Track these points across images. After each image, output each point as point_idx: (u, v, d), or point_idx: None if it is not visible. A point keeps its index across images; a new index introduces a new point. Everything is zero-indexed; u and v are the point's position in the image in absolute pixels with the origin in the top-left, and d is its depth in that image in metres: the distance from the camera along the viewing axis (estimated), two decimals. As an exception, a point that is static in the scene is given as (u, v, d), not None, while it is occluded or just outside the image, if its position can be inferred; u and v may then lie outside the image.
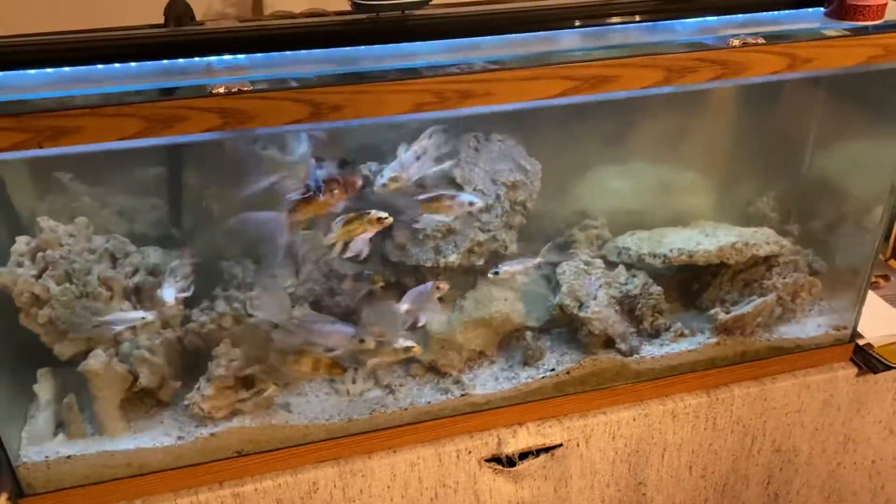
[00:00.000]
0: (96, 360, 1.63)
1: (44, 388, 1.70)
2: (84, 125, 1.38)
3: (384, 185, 1.64)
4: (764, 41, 1.67)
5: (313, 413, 1.78)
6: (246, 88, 1.44)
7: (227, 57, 1.57)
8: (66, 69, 1.52)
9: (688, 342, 2.06)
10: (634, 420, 2.02)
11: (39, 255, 1.64)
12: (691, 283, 2.12)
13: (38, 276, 1.64)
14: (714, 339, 2.05)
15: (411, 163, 1.70)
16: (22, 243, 1.76)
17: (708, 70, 1.63)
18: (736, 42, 1.65)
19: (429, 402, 1.82)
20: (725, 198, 2.21)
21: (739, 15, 1.84)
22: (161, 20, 1.75)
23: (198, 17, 1.78)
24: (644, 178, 2.12)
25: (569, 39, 1.70)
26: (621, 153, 2.10)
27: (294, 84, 1.50)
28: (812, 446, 2.27)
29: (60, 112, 1.36)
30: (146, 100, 1.42)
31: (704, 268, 2.05)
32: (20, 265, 1.74)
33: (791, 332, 2.13)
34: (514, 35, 1.72)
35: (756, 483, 2.30)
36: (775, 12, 1.85)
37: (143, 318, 1.70)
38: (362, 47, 1.63)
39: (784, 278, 2.05)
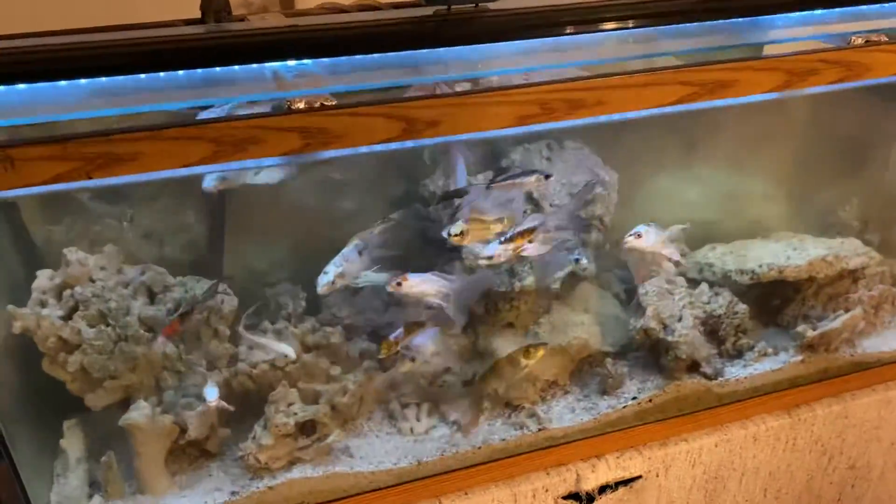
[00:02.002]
0: (139, 413, 1.47)
1: (72, 443, 1.53)
2: (142, 151, 1.16)
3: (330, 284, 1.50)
4: (887, 39, 1.49)
5: (377, 457, 1.63)
6: (330, 103, 1.22)
7: (291, 63, 1.34)
8: (103, 79, 1.27)
9: (771, 361, 1.91)
10: (716, 446, 1.85)
11: (67, 292, 1.40)
12: (770, 299, 1.97)
13: (67, 317, 1.46)
14: (798, 358, 1.91)
15: (355, 259, 1.53)
16: (44, 278, 1.53)
17: (830, 72, 1.46)
18: (859, 40, 1.48)
19: (503, 440, 1.67)
20: (802, 207, 2.06)
21: (838, 9, 1.66)
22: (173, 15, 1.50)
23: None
24: (716, 187, 1.97)
25: (671, 38, 1.51)
26: (692, 160, 1.93)
27: (379, 97, 1.28)
28: (886, 461, 2.15)
29: (115, 137, 1.13)
30: (212, 119, 1.19)
31: (787, 282, 1.89)
32: (43, 304, 1.50)
33: (873, 345, 1.99)
34: (607, 33, 1.51)
35: (828, 501, 2.17)
36: (877, 5, 1.67)
37: (285, 354, 1.60)
38: (441, 49, 1.42)
39: (870, 291, 1.90)
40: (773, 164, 2.01)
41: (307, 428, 1.57)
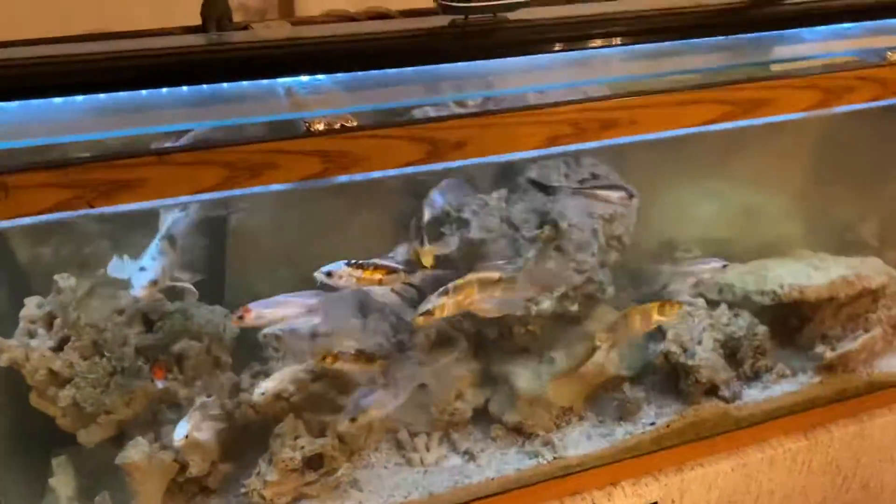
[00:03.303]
0: (137, 451, 1.40)
1: (62, 481, 1.45)
2: (148, 178, 1.06)
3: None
4: (922, 55, 1.44)
5: (386, 490, 1.55)
6: (351, 124, 1.13)
7: (304, 78, 1.25)
8: (101, 96, 1.17)
9: (788, 383, 1.86)
10: (732, 470, 1.80)
11: (57, 321, 1.28)
12: (787, 319, 1.91)
13: (58, 348, 1.38)
14: (817, 379, 1.86)
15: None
16: (32, 306, 1.42)
17: (867, 90, 1.40)
18: (895, 57, 1.42)
19: (518, 469, 1.60)
20: (818, 224, 2.00)
21: (865, 22, 1.60)
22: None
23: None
24: (732, 205, 1.91)
25: (698, 53, 1.44)
26: (709, 177, 1.87)
27: (400, 117, 1.19)
28: (898, 481, 2.10)
29: (119, 162, 1.03)
30: (225, 142, 1.10)
31: (805, 302, 1.83)
32: (32, 334, 1.39)
33: (890, 365, 1.95)
34: (630, 46, 1.44)
35: (838, 523, 2.13)
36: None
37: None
38: (460, 64, 1.33)
39: (890, 310, 1.85)
40: (789, 181, 1.95)
41: (314, 462, 1.49)
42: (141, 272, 1.30)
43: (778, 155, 1.90)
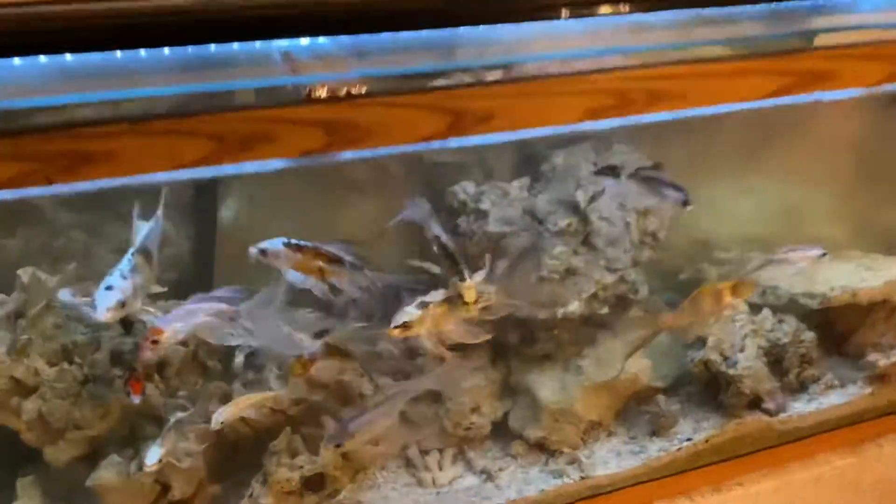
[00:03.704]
0: (112, 471, 1.29)
1: None
2: (120, 150, 0.90)
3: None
4: None
5: None
6: (359, 91, 0.96)
7: (304, 41, 1.08)
8: (69, 58, 1.00)
9: (836, 394, 1.70)
10: (775, 490, 1.65)
11: (21, 322, 1.13)
12: (836, 325, 1.75)
13: (22, 353, 1.27)
14: (868, 390, 1.71)
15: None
16: (-7, 305, 1.25)
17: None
18: (973, 25, 1.25)
19: (541, 490, 1.49)
20: (864, 222, 1.84)
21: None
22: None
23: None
24: (774, 200, 1.76)
25: (755, 21, 1.27)
26: (742, 170, 1.71)
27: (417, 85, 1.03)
28: (947, 501, 1.94)
29: (85, 130, 0.86)
30: (211, 109, 0.93)
31: (855, 306, 1.68)
32: (-9, 337, 1.23)
33: (943, 373, 1.78)
34: (672, 11, 1.26)
35: (884, 546, 1.96)
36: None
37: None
38: (488, 26, 1.16)
39: (948, 314, 1.70)
40: (835, 173, 1.79)
41: (314, 482, 1.37)
42: (106, 291, 1.11)
43: (824, 142, 1.74)
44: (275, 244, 1.19)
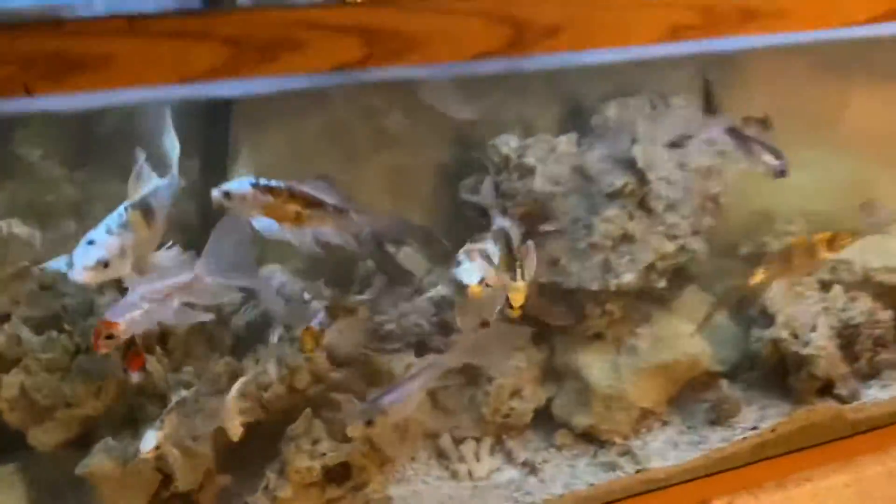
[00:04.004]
0: (107, 457, 1.14)
1: (8, 498, 1.22)
2: (115, 54, 0.75)
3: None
4: None
5: None
6: (404, -8, 0.81)
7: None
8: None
9: (916, 380, 1.58)
10: (846, 486, 1.53)
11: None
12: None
13: (2, 319, 1.16)
14: (951, 374, 1.57)
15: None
16: (-31, 264, 1.13)
17: None
18: None
19: (591, 485, 1.38)
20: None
21: None
22: None
23: None
24: (843, 167, 1.61)
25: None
26: (800, 132, 1.55)
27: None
28: None
29: (74, 27, 0.72)
30: (227, 7, 0.78)
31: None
32: (-35, 300, 1.12)
33: None
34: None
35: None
36: None
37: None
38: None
39: None
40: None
41: (337, 473, 1.24)
42: (88, 247, 0.95)
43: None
44: (241, 185, 1.01)
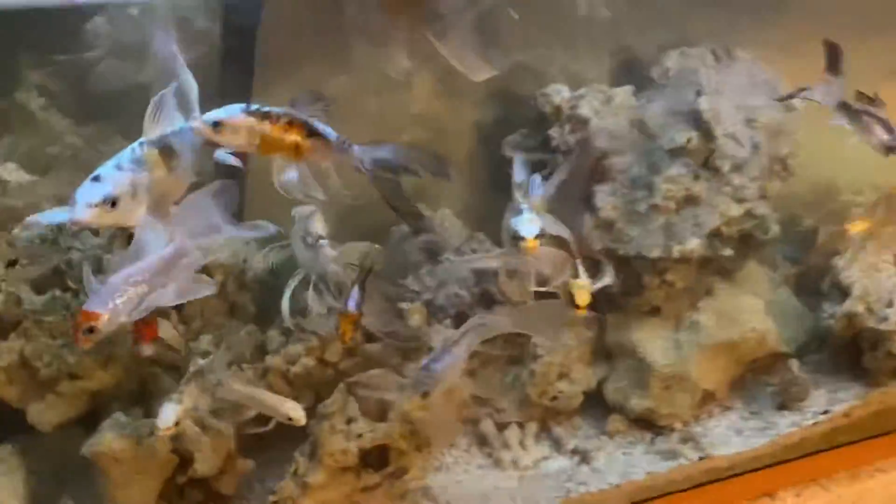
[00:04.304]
0: (115, 435, 1.02)
1: (7, 481, 1.09)
2: None
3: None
4: None
5: (473, 503, 1.23)
6: None
7: None
8: None
9: None
10: None
11: None
12: None
13: None
14: None
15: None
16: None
17: None
18: None
19: (650, 474, 1.28)
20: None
21: None
22: None
23: None
24: None
25: None
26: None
27: None
28: None
29: None
30: None
31: None
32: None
33: None
34: None
35: None
36: None
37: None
38: None
39: None
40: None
41: (372, 457, 1.13)
42: (92, 183, 0.83)
43: None
44: (231, 113, 0.87)
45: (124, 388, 1.08)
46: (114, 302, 0.83)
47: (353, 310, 1.06)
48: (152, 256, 0.86)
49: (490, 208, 1.31)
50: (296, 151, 0.90)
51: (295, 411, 1.05)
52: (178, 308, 1.07)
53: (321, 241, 1.11)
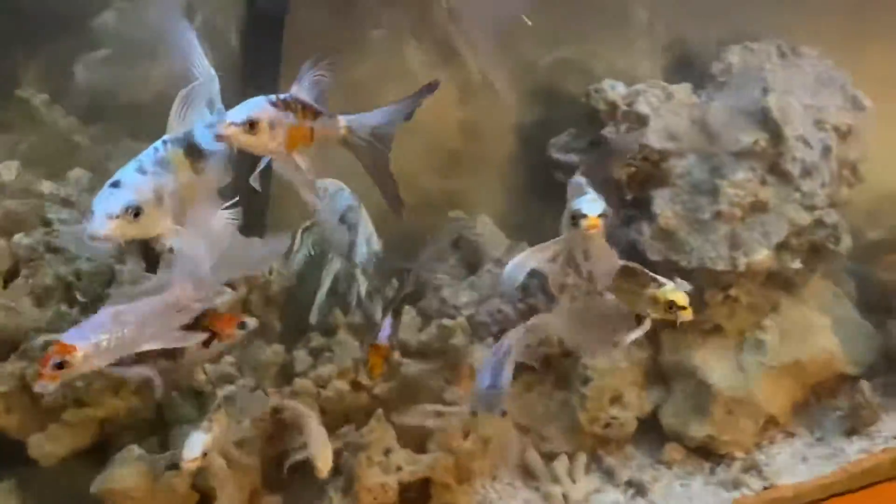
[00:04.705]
0: (130, 471, 0.90)
1: None
2: None
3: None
4: None
5: None
6: None
7: None
8: None
9: None
10: None
11: None
12: None
13: None
14: None
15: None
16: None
17: None
18: None
19: None
20: None
21: None
22: None
23: None
24: None
25: None
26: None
27: None
28: None
29: None
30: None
31: None
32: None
33: None
34: None
35: None
36: None
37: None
38: None
39: None
40: None
41: (414, 492, 1.03)
42: (112, 190, 0.71)
43: None
44: (259, 107, 0.74)
45: (138, 415, 0.95)
46: (96, 338, 0.72)
47: (384, 342, 0.96)
48: (153, 299, 0.76)
49: (531, 214, 1.21)
50: (310, 136, 0.80)
51: (325, 464, 0.92)
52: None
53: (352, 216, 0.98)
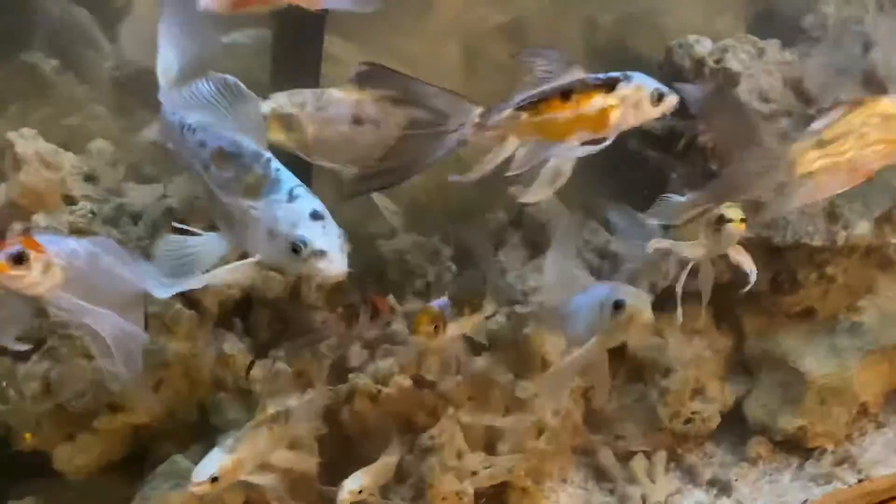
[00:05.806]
0: (174, 487, 0.77)
1: None
2: None
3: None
4: None
5: None
6: None
7: None
8: None
9: None
10: None
11: (15, 226, 0.77)
12: None
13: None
14: None
15: None
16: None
17: None
18: None
19: (805, 502, 1.09)
20: None
21: None
22: None
23: None
24: None
25: None
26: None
27: None
28: None
29: None
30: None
31: None
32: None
33: None
34: None
35: None
36: None
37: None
38: None
39: None
40: None
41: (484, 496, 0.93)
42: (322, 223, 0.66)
43: None
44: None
45: (179, 420, 0.83)
46: (65, 253, 0.62)
47: (436, 307, 0.85)
48: (127, 265, 0.66)
49: (595, 189, 1.10)
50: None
51: (347, 493, 0.81)
52: (244, 317, 0.84)
53: None
